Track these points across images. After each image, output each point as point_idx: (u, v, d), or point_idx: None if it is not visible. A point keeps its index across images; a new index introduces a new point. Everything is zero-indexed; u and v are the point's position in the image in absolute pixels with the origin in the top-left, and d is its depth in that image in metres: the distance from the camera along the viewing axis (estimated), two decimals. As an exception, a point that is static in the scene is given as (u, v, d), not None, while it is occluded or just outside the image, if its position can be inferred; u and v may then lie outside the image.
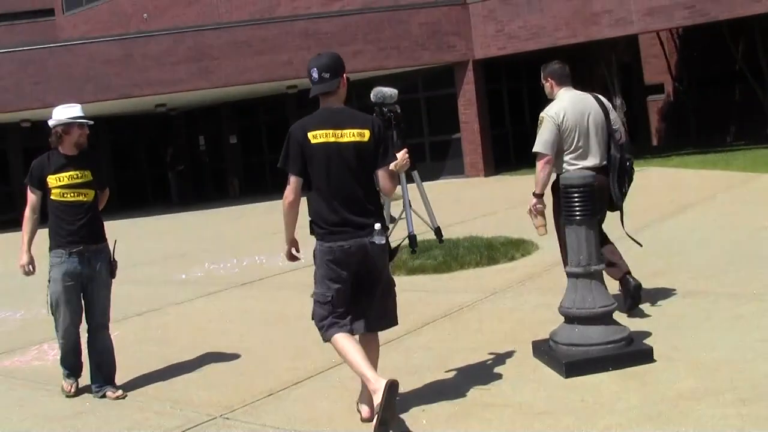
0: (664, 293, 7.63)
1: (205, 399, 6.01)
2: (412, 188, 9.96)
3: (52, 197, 6.33)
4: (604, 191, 6.77)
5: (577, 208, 5.77)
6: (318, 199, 5.10)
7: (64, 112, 6.40)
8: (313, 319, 5.21)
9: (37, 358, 7.98)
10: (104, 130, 29.82)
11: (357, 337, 5.16)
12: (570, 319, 5.86)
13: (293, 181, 5.05)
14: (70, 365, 6.51)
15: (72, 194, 6.36)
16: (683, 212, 12.65)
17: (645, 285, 7.24)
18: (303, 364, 6.60)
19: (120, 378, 6.66)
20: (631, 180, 7.01)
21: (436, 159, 25.12)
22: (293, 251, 5.38)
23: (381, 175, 5.16)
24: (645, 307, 7.15)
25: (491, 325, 7.31)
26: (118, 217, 24.39)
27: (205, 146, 31.58)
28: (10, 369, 7.68)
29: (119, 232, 8.06)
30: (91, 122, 6.59)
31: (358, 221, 5.06)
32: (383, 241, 5.09)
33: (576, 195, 5.78)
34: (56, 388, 6.68)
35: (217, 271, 12.11)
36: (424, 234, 12.38)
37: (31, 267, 6.56)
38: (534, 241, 10.70)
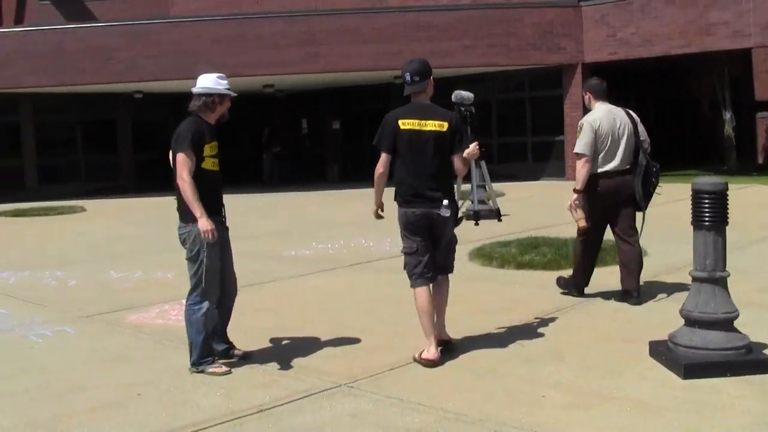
0: (779, 306, 7.66)
1: (328, 368, 6.25)
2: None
3: (203, 166, 6.28)
4: (623, 191, 8.12)
5: (707, 214, 5.87)
6: (401, 174, 6.50)
7: (220, 82, 6.49)
8: (405, 269, 6.60)
9: (159, 317, 8.35)
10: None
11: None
12: (691, 321, 5.95)
13: (383, 157, 6.49)
14: (212, 342, 6.43)
15: (216, 164, 6.45)
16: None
17: (754, 300, 7.33)
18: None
19: (242, 343, 6.94)
20: (655, 185, 8.23)
21: (538, 159, 25.12)
22: (379, 211, 6.78)
23: (455, 159, 6.49)
24: (760, 318, 7.18)
25: (602, 322, 7.42)
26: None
27: (308, 130, 31.97)
28: (136, 324, 8.05)
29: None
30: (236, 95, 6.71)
31: (430, 195, 6.40)
32: (447, 214, 6.42)
33: (707, 201, 5.87)
34: (181, 344, 6.98)
35: (326, 251, 12.39)
36: (534, 231, 12.56)
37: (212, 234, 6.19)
38: (642, 247, 10.74)
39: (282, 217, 17.85)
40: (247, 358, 6.58)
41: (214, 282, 6.36)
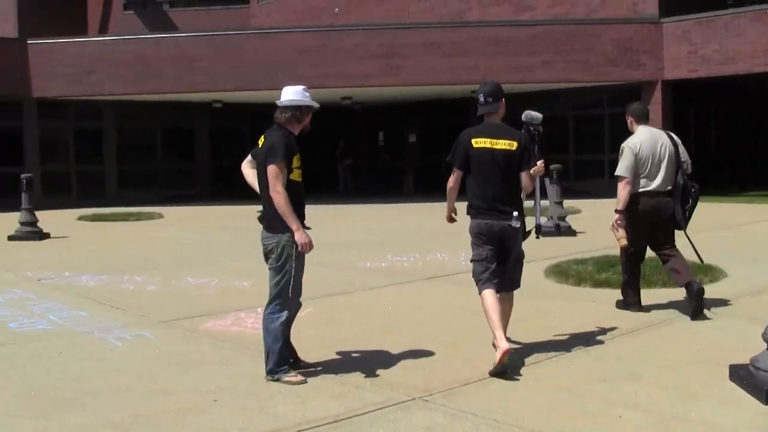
0: None
1: (403, 380, 6.25)
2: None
3: (290, 177, 6.34)
4: (663, 210, 8.50)
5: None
6: (473, 188, 6.95)
7: (305, 94, 6.60)
8: (473, 276, 6.99)
9: (235, 324, 8.44)
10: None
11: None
12: (774, 346, 5.85)
13: (456, 173, 6.98)
14: (287, 351, 6.49)
15: (300, 175, 6.50)
16: None
17: None
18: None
19: (316, 353, 7.02)
20: (694, 205, 8.64)
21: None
22: (453, 215, 7.29)
23: (523, 176, 6.96)
24: None
25: (680, 344, 7.32)
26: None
27: (384, 142, 32.07)
28: (213, 331, 8.14)
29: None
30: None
31: (500, 208, 6.86)
32: (518, 225, 6.88)
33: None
34: (256, 352, 7.05)
35: (401, 263, 12.41)
36: (610, 250, 12.42)
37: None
38: (722, 268, 10.60)
39: (357, 229, 17.91)
40: (307, 367, 6.62)
41: (296, 293, 6.43)
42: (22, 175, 17.35)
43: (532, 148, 7.21)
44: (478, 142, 6.86)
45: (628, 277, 8.81)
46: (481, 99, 6.96)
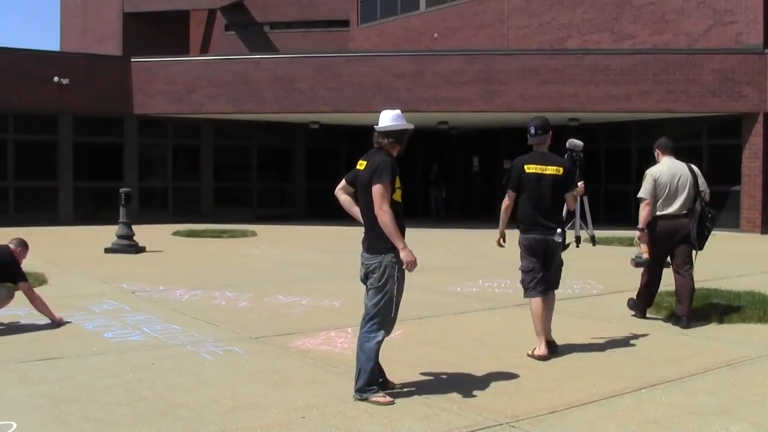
0: None
1: (490, 405, 6.21)
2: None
3: (393, 197, 6.44)
4: (679, 231, 9.71)
5: None
6: (525, 207, 8.13)
7: (403, 118, 6.69)
8: (521, 283, 8.34)
9: (325, 343, 8.48)
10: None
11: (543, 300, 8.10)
12: None
13: (510, 194, 8.18)
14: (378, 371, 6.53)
15: (400, 195, 6.56)
16: None
17: None
18: (585, 387, 6.70)
19: (404, 375, 7.03)
20: (710, 229, 9.81)
21: (712, 208, 24.20)
22: (501, 240, 8.45)
23: (568, 196, 8.25)
24: None
25: (776, 381, 7.14)
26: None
27: (479, 167, 31.99)
28: (302, 349, 8.20)
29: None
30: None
31: (545, 224, 8.06)
32: (560, 240, 8.08)
33: None
34: (345, 371, 7.11)
35: (492, 289, 12.36)
36: (705, 283, 12.23)
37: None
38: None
39: (449, 253, 17.87)
40: (394, 388, 6.61)
41: (395, 314, 6.49)
42: (121, 190, 17.76)
43: (574, 172, 8.62)
44: (530, 168, 8.07)
45: (646, 285, 10.13)
46: (532, 131, 8.18)
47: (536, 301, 8.07)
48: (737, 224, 23.67)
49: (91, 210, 25.86)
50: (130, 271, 14.12)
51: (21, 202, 25.14)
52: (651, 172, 9.78)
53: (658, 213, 9.70)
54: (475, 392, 6.56)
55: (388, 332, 6.48)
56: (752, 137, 23.40)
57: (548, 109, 23.83)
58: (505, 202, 8.17)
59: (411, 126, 6.72)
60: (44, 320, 9.23)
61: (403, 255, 6.29)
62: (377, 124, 6.66)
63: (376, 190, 6.32)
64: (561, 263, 8.39)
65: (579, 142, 10.36)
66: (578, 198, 9.11)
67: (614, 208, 26.74)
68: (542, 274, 8.10)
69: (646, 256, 9.85)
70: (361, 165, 6.56)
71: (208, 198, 27.97)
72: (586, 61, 23.86)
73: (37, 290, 11.43)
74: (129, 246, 17.14)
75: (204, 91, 25.76)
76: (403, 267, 6.34)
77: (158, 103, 26.11)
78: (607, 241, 19.71)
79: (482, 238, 21.81)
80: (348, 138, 30.19)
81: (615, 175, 27.20)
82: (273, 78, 25.26)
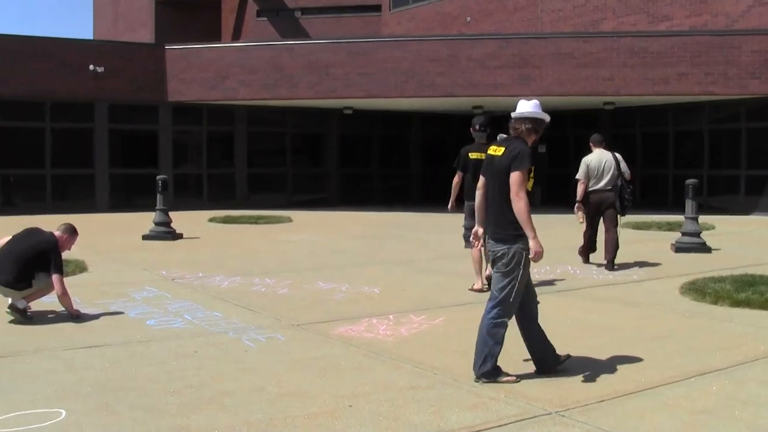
0: None
1: (539, 393, 6.14)
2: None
3: (528, 187, 6.51)
4: (605, 201, 12.93)
5: None
6: (467, 184, 10.72)
7: (540, 108, 6.72)
8: (464, 238, 10.94)
9: (368, 330, 8.44)
10: (416, 126, 30.86)
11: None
12: None
13: (458, 173, 11.04)
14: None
15: (531, 185, 6.62)
16: None
17: None
18: (633, 376, 6.62)
19: (449, 363, 7.02)
20: (629, 200, 12.91)
21: (751, 193, 24.03)
22: (450, 207, 11.30)
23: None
24: None
25: (828, 370, 7.02)
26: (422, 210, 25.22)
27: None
28: (345, 336, 8.16)
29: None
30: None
31: None
32: None
33: None
34: (390, 359, 7.10)
35: (531, 275, 12.21)
36: (748, 268, 12.10)
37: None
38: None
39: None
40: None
41: (518, 301, 6.55)
42: (158, 177, 17.79)
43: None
44: (473, 155, 10.69)
45: (586, 243, 13.41)
46: (477, 127, 11.02)
47: (474, 251, 10.45)
48: (777, 209, 23.42)
49: (126, 197, 25.99)
50: (169, 257, 14.16)
51: (58, 189, 25.30)
52: (584, 160, 13.08)
53: (590, 189, 12.94)
54: (523, 381, 6.49)
55: (510, 316, 6.58)
56: (790, 118, 23.11)
57: (583, 93, 23.69)
58: (456, 179, 11.00)
59: (548, 117, 6.75)
60: (89, 309, 9.27)
61: (532, 244, 6.34)
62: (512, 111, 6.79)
63: (515, 176, 6.36)
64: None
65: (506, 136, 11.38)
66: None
67: (651, 193, 26.52)
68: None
69: (581, 221, 13.15)
70: (497, 151, 6.65)
71: (242, 184, 28.01)
72: (621, 44, 23.60)
73: (78, 277, 11.58)
74: (166, 233, 17.19)
75: (237, 77, 25.77)
76: (530, 257, 6.39)
77: (192, 90, 26.15)
78: (646, 226, 19.55)
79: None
80: (381, 124, 30.16)
81: (652, 160, 26.94)
82: (306, 64, 25.20)
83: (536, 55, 23.82)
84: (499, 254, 6.48)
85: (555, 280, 11.79)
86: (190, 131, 27.50)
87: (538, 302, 6.87)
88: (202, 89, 26.08)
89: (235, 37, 44.43)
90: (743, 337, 8.13)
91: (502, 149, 6.58)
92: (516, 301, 6.53)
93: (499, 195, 6.50)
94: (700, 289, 10.42)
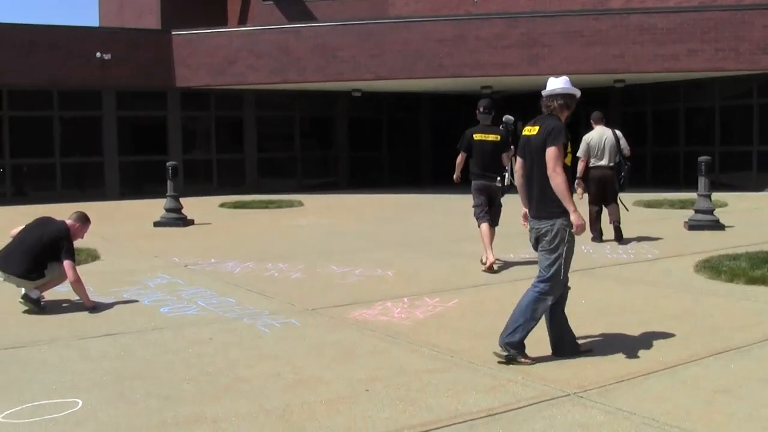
0: None
1: (556, 375, 6.11)
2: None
3: (564, 161, 6.50)
4: (606, 178, 13.45)
5: None
6: (473, 164, 11.28)
7: (569, 84, 6.73)
8: (474, 215, 11.36)
9: (382, 314, 8.40)
10: (425, 108, 30.77)
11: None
12: None
13: (462, 154, 11.47)
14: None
15: (569, 160, 6.63)
16: None
17: None
18: (651, 356, 6.58)
19: (466, 345, 7.01)
20: (626, 176, 13.45)
21: (763, 170, 23.84)
22: (455, 178, 12.04)
23: (503, 156, 11.27)
24: None
25: None
26: (433, 191, 25.13)
27: (519, 132, 31.60)
28: (360, 320, 8.13)
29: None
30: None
31: (489, 174, 11.20)
32: (499, 185, 11.20)
33: None
34: (406, 342, 7.07)
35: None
36: (764, 245, 12.02)
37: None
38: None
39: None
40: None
41: (565, 278, 6.60)
42: (168, 163, 17.77)
43: (507, 139, 11.33)
44: (477, 136, 11.22)
45: (593, 220, 13.43)
46: (481, 110, 11.28)
47: (484, 226, 11.12)
48: (790, 184, 23.30)
49: (136, 184, 25.99)
50: (181, 244, 14.15)
51: (68, 178, 25.29)
52: (585, 138, 13.60)
53: (591, 165, 13.53)
54: (540, 363, 6.45)
55: (556, 295, 6.60)
56: (803, 93, 22.92)
57: (594, 71, 23.51)
58: (459, 159, 11.54)
59: (578, 92, 6.78)
60: (102, 297, 9.24)
61: (573, 218, 6.36)
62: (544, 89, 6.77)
63: (551, 152, 6.38)
64: (500, 205, 11.44)
65: (511, 117, 12.04)
66: (510, 158, 11.21)
67: (662, 170, 26.40)
68: (487, 208, 11.22)
69: (579, 197, 12.02)
70: (532, 130, 6.66)
71: (252, 169, 27.97)
72: (631, 21, 23.40)
73: (91, 266, 11.56)
74: (177, 219, 17.18)
75: (245, 62, 25.67)
76: (572, 230, 6.41)
77: (200, 76, 26.07)
78: (657, 204, 19.48)
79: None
80: (390, 106, 30.07)
81: (662, 138, 26.80)
82: (314, 47, 25.10)
83: (545, 34, 23.65)
84: (543, 231, 6.51)
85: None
86: (198, 117, 27.44)
87: (569, 287, 6.82)
88: (209, 75, 25.99)
89: (241, 21, 44.19)
90: (761, 315, 8.07)
91: (537, 128, 6.59)
92: (564, 279, 6.58)
93: (539, 173, 6.53)
94: (715, 267, 10.35)
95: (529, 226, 6.74)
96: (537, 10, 28.18)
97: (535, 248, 6.68)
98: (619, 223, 13.38)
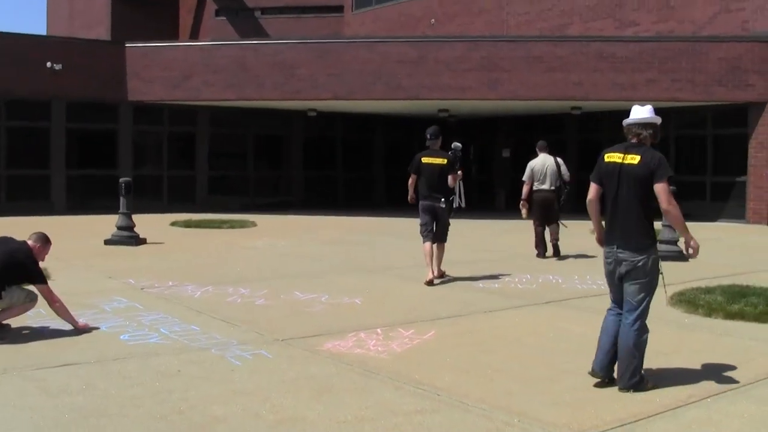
0: None
1: (553, 417, 5.78)
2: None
3: None
4: (547, 200, 15.07)
5: None
6: (421, 185, 12.11)
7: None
8: (420, 233, 12.10)
9: (357, 346, 8.01)
10: (380, 129, 30.51)
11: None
12: None
13: (413, 176, 12.31)
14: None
15: None
16: None
17: None
18: (650, 397, 6.28)
19: (452, 381, 6.66)
20: (564, 199, 15.16)
21: (716, 199, 23.97)
22: (410, 199, 12.74)
23: (449, 178, 12.03)
24: None
25: None
26: (387, 214, 24.80)
27: (473, 156, 31.46)
28: (334, 352, 7.72)
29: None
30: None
31: (435, 195, 11.99)
32: (443, 206, 11.99)
33: None
34: (388, 377, 6.75)
35: (514, 284, 11.91)
36: (732, 277, 11.86)
37: None
38: None
39: (455, 246, 17.40)
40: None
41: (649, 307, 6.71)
42: (121, 179, 17.25)
43: (454, 163, 12.17)
44: (426, 160, 12.23)
45: (537, 238, 15.16)
46: (428, 136, 12.45)
47: (427, 245, 12.02)
48: (743, 215, 23.41)
49: (84, 198, 25.26)
50: (135, 265, 13.63)
51: (13, 190, 24.53)
52: (529, 164, 15.24)
53: (535, 188, 15.06)
54: (533, 402, 6.12)
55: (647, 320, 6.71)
56: (759, 127, 23.03)
57: (552, 97, 23.46)
58: (411, 181, 12.32)
59: (658, 119, 6.83)
60: (56, 322, 8.70)
61: (692, 243, 6.61)
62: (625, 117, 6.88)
63: (662, 187, 6.42)
64: (447, 223, 12.30)
65: (459, 144, 12.86)
66: (457, 180, 12.26)
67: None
68: (431, 227, 12.00)
69: (525, 217, 15.15)
70: (628, 158, 6.59)
71: (203, 186, 27.46)
72: (591, 49, 23.40)
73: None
74: (130, 237, 16.62)
75: (201, 77, 25.20)
76: (690, 253, 6.67)
77: (154, 90, 25.55)
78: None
79: (485, 230, 21.43)
80: (345, 126, 29.75)
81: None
82: (272, 64, 24.71)
83: (506, 58, 23.53)
84: (639, 264, 6.49)
85: (539, 289, 11.46)
86: (150, 132, 26.88)
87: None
88: (164, 89, 25.48)
89: (193, 36, 43.72)
90: (749, 352, 7.85)
91: (638, 157, 6.53)
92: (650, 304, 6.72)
93: (636, 203, 6.52)
94: (691, 301, 10.11)
95: (610, 258, 6.67)
96: (495, 34, 28.10)
97: (617, 278, 6.65)
98: (558, 241, 15.16)
